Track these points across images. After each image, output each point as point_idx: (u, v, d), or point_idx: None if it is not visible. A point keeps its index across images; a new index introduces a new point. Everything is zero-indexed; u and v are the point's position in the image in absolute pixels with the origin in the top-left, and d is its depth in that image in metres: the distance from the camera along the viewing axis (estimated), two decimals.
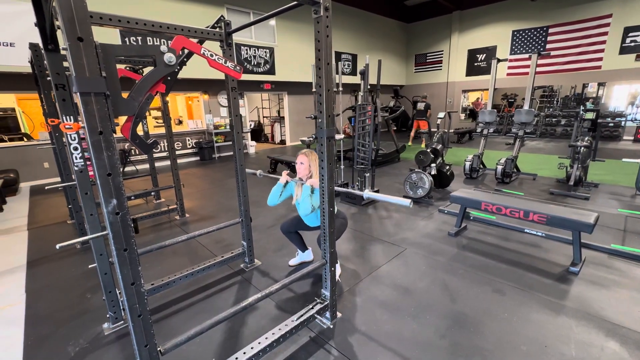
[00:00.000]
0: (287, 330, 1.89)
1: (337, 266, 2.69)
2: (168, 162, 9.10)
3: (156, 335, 1.39)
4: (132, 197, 4.70)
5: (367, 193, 1.93)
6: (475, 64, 13.28)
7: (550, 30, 11.19)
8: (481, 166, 6.12)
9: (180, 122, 11.46)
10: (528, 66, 11.58)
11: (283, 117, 11.79)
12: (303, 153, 2.54)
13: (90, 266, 2.09)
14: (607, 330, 2.05)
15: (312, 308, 2.07)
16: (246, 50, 9.11)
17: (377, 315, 2.26)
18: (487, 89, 13.37)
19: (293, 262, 3.02)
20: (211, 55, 1.27)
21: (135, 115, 1.12)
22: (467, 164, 5.87)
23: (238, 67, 1.38)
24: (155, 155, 7.60)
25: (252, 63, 9.31)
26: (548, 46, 11.24)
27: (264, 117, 13.00)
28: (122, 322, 2.24)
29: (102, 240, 2.08)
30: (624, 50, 9.96)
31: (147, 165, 8.24)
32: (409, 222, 3.98)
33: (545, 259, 2.97)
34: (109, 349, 2.02)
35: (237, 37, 8.79)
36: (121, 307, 2.23)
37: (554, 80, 11.77)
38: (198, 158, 9.14)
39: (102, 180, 1.07)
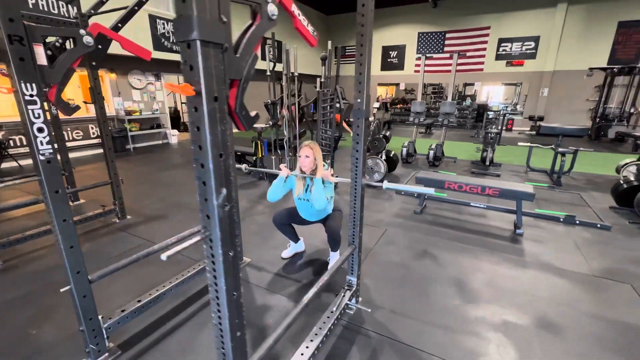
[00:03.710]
0: (331, 323, 1.80)
1: (337, 252, 2.67)
2: (80, 153, 7.41)
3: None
4: (41, 201, 3.63)
5: (387, 184, 1.84)
6: (389, 59, 14.58)
7: (447, 35, 13.09)
8: (413, 151, 6.84)
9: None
10: (430, 65, 13.40)
11: None
12: (307, 145, 2.39)
13: (62, 289, 1.55)
14: (556, 272, 2.63)
15: (344, 296, 2.01)
16: (163, 24, 7.88)
17: (393, 292, 2.35)
18: (398, 83, 14.93)
19: (286, 254, 2.86)
20: (299, 15, 1.05)
21: (243, 80, 0.87)
22: (404, 149, 6.49)
23: (315, 33, 1.20)
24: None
25: (171, 40, 8.12)
26: (446, 49, 13.12)
27: (182, 102, 11.60)
28: (107, 354, 1.75)
29: (80, 255, 1.57)
30: (498, 57, 12.41)
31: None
32: (375, 204, 4.19)
33: (495, 226, 3.56)
34: None
35: (151, 8, 7.51)
36: (105, 336, 1.74)
37: (443, 79, 13.79)
38: None
39: (214, 162, 0.81)
